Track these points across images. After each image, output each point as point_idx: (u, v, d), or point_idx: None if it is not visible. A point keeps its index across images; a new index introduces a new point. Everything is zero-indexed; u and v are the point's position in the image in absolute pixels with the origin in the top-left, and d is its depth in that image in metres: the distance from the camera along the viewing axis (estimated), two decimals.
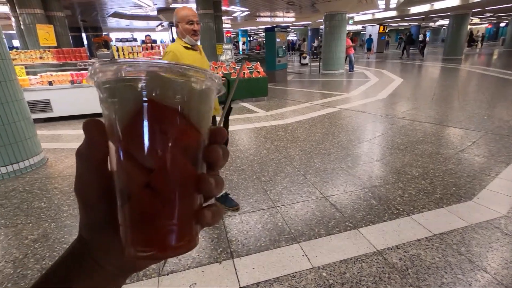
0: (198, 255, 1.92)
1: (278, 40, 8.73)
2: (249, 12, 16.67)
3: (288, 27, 27.45)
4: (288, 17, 19.81)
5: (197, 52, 2.14)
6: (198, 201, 0.24)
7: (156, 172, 0.21)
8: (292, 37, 35.12)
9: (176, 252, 0.23)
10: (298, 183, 2.85)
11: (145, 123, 0.21)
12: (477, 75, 9.63)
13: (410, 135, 4.09)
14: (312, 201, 2.53)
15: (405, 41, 18.19)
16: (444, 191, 2.59)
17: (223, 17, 12.56)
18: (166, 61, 0.21)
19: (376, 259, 1.82)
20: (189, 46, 2.06)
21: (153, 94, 0.20)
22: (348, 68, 11.65)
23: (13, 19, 9.06)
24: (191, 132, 0.22)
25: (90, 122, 0.23)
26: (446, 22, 20.46)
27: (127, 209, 0.22)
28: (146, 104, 0.20)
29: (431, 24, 32.38)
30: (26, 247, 2.07)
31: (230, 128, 4.75)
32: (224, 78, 1.86)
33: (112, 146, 0.22)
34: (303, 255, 1.88)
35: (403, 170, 3.03)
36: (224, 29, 12.64)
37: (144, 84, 0.20)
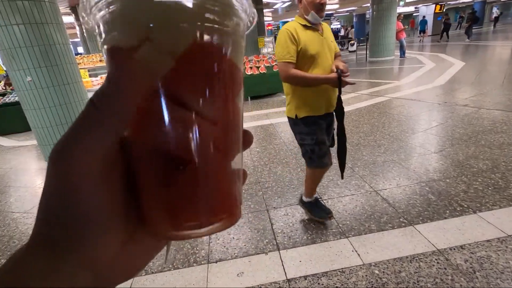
0: (244, 245, 1.95)
1: None
2: (290, 3, 16.34)
3: (331, 14, 26.33)
4: (332, 4, 18.98)
5: (318, 32, 1.72)
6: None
7: (223, 124, 0.18)
8: (335, 25, 33.55)
9: (237, 218, 0.20)
10: (345, 176, 2.73)
11: (209, 64, 0.17)
12: None
13: (475, 124, 3.64)
14: (361, 195, 2.40)
15: (467, 20, 16.14)
16: None
17: (264, 10, 12.48)
18: None
19: (436, 259, 1.66)
20: (309, 25, 1.68)
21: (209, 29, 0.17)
22: (399, 54, 10.78)
23: (77, 27, 10.15)
24: (241, 79, 0.20)
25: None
26: None
27: (183, 175, 0.17)
28: (205, 36, 0.17)
29: None
30: None
31: (273, 120, 4.74)
32: (336, 74, 1.66)
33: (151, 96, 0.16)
34: (352, 251, 1.80)
35: (467, 163, 2.71)
36: (265, 22, 12.57)
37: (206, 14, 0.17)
